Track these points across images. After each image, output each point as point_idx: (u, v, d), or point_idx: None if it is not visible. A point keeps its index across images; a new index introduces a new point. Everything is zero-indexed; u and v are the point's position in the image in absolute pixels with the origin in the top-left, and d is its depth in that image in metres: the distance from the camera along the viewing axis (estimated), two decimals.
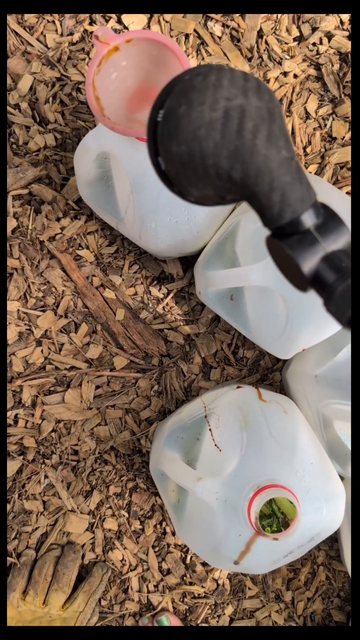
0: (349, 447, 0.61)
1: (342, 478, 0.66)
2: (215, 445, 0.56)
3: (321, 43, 0.76)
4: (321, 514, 0.52)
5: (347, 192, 0.76)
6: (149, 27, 0.74)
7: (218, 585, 0.75)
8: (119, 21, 0.74)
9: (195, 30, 0.75)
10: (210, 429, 0.58)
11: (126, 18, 0.74)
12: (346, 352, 0.58)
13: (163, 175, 0.31)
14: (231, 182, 0.29)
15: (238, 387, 0.62)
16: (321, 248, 0.28)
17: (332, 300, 0.28)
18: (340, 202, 0.58)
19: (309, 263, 0.28)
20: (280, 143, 0.28)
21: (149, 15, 0.74)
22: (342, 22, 0.76)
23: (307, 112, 0.77)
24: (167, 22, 0.74)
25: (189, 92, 0.29)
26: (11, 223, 0.72)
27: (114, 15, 0.74)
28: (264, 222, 0.30)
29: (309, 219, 0.29)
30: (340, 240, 0.29)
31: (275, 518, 0.52)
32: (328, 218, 0.29)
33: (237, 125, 0.27)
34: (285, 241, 0.29)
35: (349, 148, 0.76)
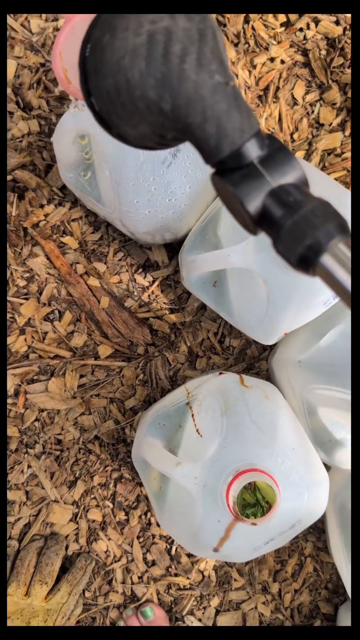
0: (334, 434, 0.60)
1: (328, 468, 0.65)
2: (197, 430, 0.55)
3: (308, 28, 0.75)
4: (302, 500, 0.51)
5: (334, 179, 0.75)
6: None
7: (204, 576, 0.74)
8: None
9: None
10: (192, 415, 0.57)
11: None
12: (330, 337, 0.57)
13: (98, 117, 0.29)
14: (163, 116, 0.26)
15: (220, 374, 0.61)
16: (267, 182, 0.26)
17: (280, 239, 0.25)
18: (328, 188, 0.57)
19: (255, 200, 0.26)
20: (213, 67, 0.25)
21: None
22: None
23: (294, 98, 0.76)
24: None
25: (113, 18, 0.26)
26: None
27: None
28: (203, 158, 0.27)
29: (251, 151, 0.26)
30: (290, 174, 0.26)
31: (259, 507, 0.51)
32: (275, 150, 0.26)
33: (163, 50, 0.25)
34: (227, 177, 0.26)
35: (336, 134, 0.75)
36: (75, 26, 0.43)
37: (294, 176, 0.26)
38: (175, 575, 0.73)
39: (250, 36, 0.75)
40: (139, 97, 0.25)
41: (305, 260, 0.25)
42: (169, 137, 0.28)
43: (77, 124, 0.53)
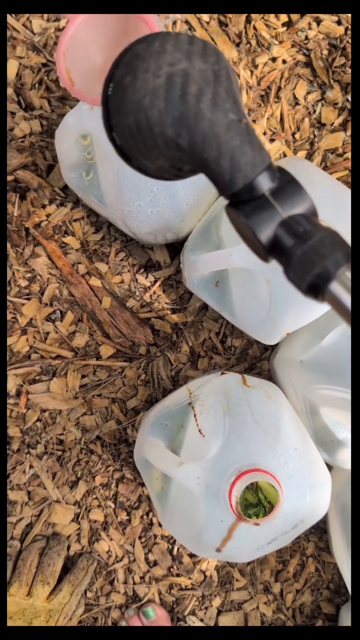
0: (336, 434, 0.60)
1: (330, 468, 0.65)
2: (199, 430, 0.55)
3: (310, 28, 0.75)
4: (305, 500, 0.51)
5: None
6: None
7: (205, 576, 0.74)
8: None
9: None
10: (194, 415, 0.57)
11: None
12: (332, 337, 0.57)
13: (120, 151, 0.30)
14: (180, 151, 0.28)
15: (223, 374, 0.61)
16: (277, 213, 0.27)
17: (291, 267, 0.27)
18: (330, 188, 0.57)
19: (267, 230, 0.27)
20: (227, 105, 0.27)
21: None
22: None
23: (296, 98, 0.76)
24: None
25: (134, 60, 0.28)
26: None
27: None
28: (218, 190, 0.28)
29: (263, 184, 0.27)
30: (299, 205, 0.27)
31: (261, 507, 0.51)
32: (285, 182, 0.28)
33: (181, 90, 0.27)
34: (240, 209, 0.28)
35: (338, 134, 0.75)
36: (79, 27, 0.43)
37: (304, 207, 0.27)
38: (177, 575, 0.73)
39: (252, 36, 0.75)
40: (158, 134, 0.27)
41: (315, 288, 0.26)
42: (185, 169, 0.30)
43: (79, 124, 0.53)
